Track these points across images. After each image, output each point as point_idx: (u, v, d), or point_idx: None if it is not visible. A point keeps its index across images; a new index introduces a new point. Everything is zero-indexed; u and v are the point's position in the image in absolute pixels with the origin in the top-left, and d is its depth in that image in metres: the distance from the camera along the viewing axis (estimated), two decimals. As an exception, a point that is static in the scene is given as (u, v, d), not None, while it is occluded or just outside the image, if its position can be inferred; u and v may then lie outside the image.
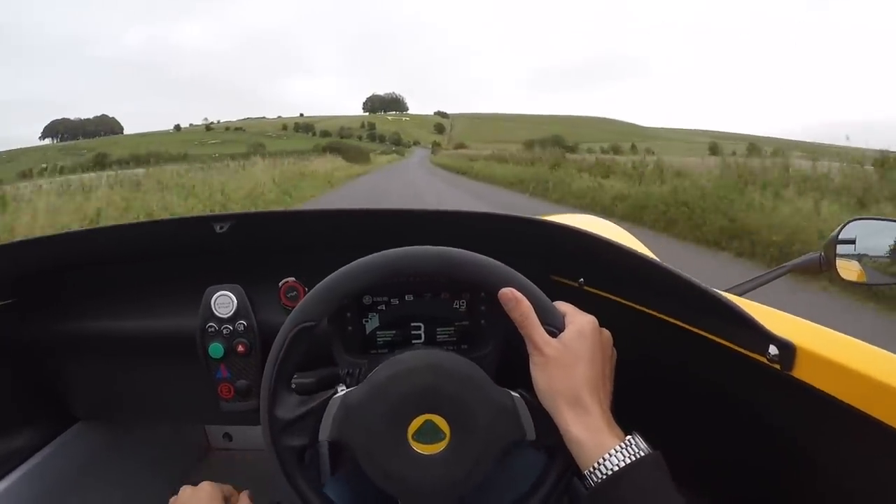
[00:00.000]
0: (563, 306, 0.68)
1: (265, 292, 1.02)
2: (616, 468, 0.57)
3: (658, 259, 0.73)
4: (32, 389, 1.22)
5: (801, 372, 0.58)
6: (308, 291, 0.69)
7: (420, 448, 0.63)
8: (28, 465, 1.17)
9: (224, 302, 1.01)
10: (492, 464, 0.64)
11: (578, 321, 0.66)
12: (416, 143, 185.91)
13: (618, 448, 0.58)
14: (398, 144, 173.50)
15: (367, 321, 0.91)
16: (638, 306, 0.82)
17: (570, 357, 0.63)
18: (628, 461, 0.57)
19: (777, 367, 0.59)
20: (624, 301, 0.85)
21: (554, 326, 0.65)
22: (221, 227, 0.96)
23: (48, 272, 1.12)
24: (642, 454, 0.58)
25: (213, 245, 1.03)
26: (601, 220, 1.93)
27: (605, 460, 0.58)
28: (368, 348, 0.91)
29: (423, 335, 0.91)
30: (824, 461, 0.63)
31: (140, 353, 1.13)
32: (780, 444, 0.68)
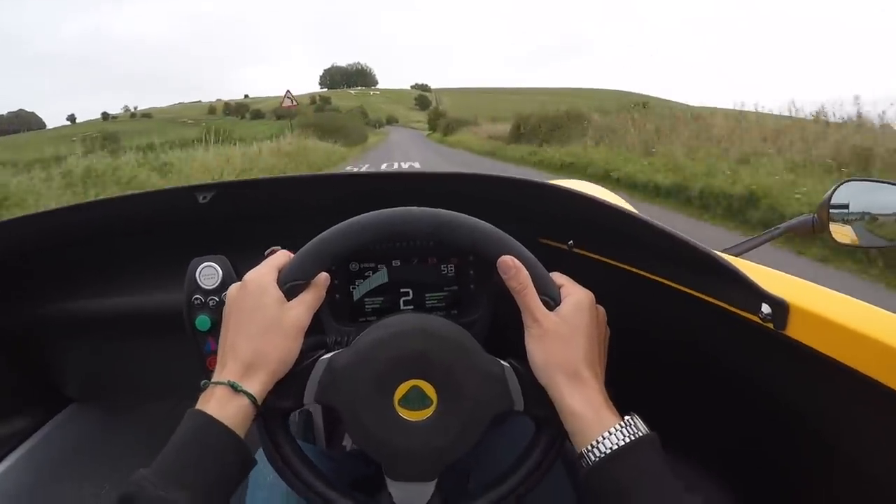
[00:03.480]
0: (559, 278, 0.68)
1: (251, 262, 1.00)
2: (615, 447, 0.57)
3: (648, 218, 0.72)
4: (25, 372, 1.22)
5: (794, 331, 0.57)
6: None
7: (406, 414, 0.62)
8: (24, 447, 1.17)
9: (209, 273, 0.98)
10: (479, 432, 0.63)
11: (576, 294, 0.65)
12: (390, 122, 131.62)
13: (617, 427, 0.58)
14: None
15: (354, 288, 0.90)
16: (628, 267, 0.82)
17: (569, 330, 0.62)
18: (627, 441, 0.57)
19: (770, 325, 0.59)
20: (614, 262, 0.84)
21: (550, 297, 0.64)
22: (204, 198, 0.95)
23: (31, 253, 1.10)
24: (641, 434, 0.58)
25: (196, 216, 1.01)
26: (591, 184, 1.93)
27: (603, 439, 0.58)
28: (357, 316, 0.90)
29: (412, 301, 0.91)
30: (818, 421, 0.63)
31: (129, 330, 1.13)
32: (774, 404, 0.68)
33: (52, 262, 1.11)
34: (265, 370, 0.61)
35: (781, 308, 0.58)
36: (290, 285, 0.64)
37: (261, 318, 0.62)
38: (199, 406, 0.59)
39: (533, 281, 0.64)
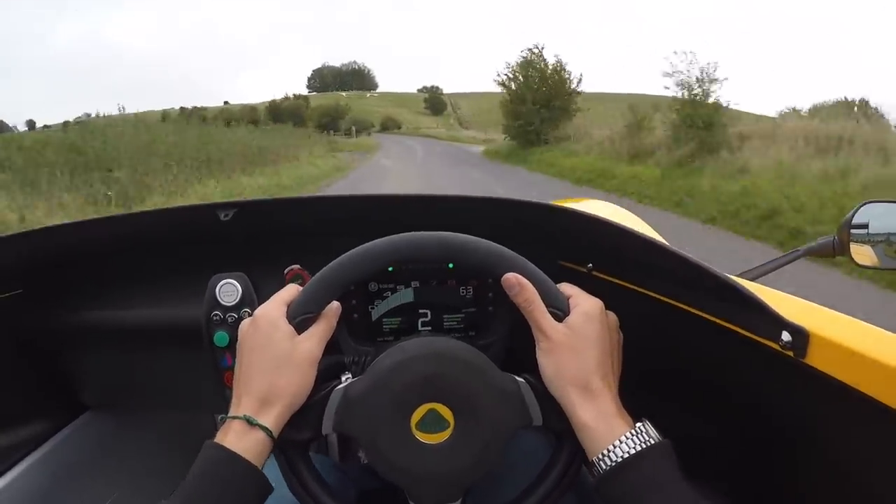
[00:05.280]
0: (567, 288, 0.68)
1: (270, 280, 1.01)
2: (626, 455, 0.58)
3: (668, 243, 0.72)
4: (43, 378, 1.23)
5: (814, 359, 0.57)
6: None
7: (424, 438, 0.62)
8: (38, 453, 1.18)
9: (229, 290, 1.00)
10: (500, 451, 0.63)
11: (584, 304, 0.65)
12: (388, 128, 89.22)
13: (628, 435, 0.59)
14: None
15: (372, 308, 0.90)
16: (647, 291, 0.81)
17: (578, 341, 0.62)
18: (638, 448, 0.57)
19: (790, 353, 0.58)
20: (633, 286, 0.84)
21: (559, 309, 0.64)
22: (226, 216, 0.96)
23: (55, 262, 1.11)
24: (652, 442, 0.58)
25: (217, 233, 1.02)
26: (611, 204, 1.91)
27: (614, 447, 0.58)
28: (374, 336, 0.90)
29: (430, 322, 0.91)
30: (837, 450, 0.62)
31: (148, 341, 1.14)
32: (792, 432, 0.68)
33: (77, 272, 1.13)
34: (280, 404, 0.62)
35: (802, 336, 0.57)
36: (301, 319, 0.65)
37: (272, 354, 0.63)
38: (217, 439, 0.60)
39: (540, 294, 0.64)
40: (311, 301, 0.66)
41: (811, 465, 0.67)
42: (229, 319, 1.00)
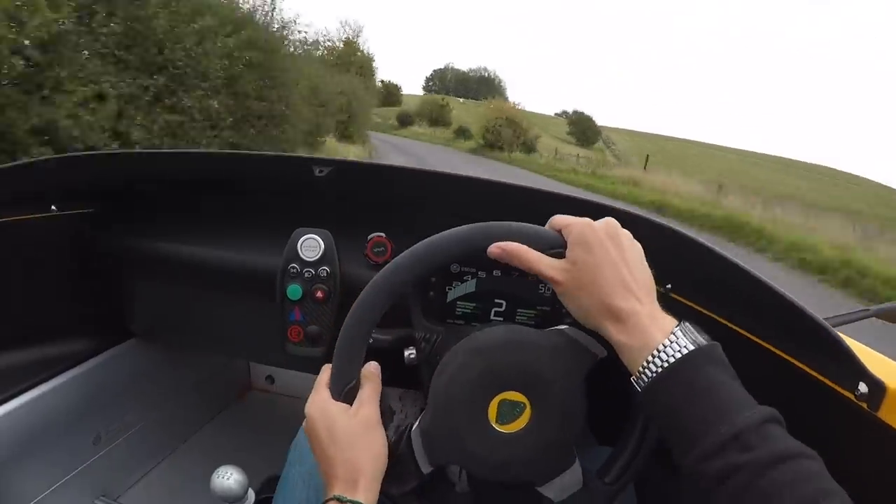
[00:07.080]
0: (557, 221, 0.64)
1: (353, 243, 1.01)
2: (661, 369, 0.53)
3: (760, 275, 0.69)
4: (96, 299, 1.25)
5: (888, 415, 0.56)
6: (394, 249, 0.69)
7: (509, 429, 0.62)
8: (78, 370, 1.21)
9: (311, 245, 1.00)
10: (581, 399, 0.63)
11: (575, 230, 0.61)
12: (496, 146, 32.28)
13: (665, 344, 0.54)
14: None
15: (450, 289, 0.90)
16: (725, 321, 0.79)
17: (583, 271, 0.59)
18: (681, 353, 0.53)
19: (863, 405, 0.57)
20: (711, 314, 0.81)
21: (556, 247, 0.62)
22: (321, 171, 0.96)
23: (133, 188, 1.14)
24: (691, 348, 0.54)
25: (309, 187, 1.03)
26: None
27: (648, 363, 0.54)
28: (446, 317, 0.90)
29: (503, 314, 0.90)
30: None
31: (209, 282, 1.15)
32: (855, 485, 0.63)
33: (154, 201, 1.15)
34: (364, 477, 0.61)
35: (879, 389, 0.56)
36: (345, 391, 0.64)
37: (338, 436, 0.63)
38: None
39: (531, 245, 0.61)
40: (344, 372, 0.65)
41: None
42: (306, 274, 1.00)
